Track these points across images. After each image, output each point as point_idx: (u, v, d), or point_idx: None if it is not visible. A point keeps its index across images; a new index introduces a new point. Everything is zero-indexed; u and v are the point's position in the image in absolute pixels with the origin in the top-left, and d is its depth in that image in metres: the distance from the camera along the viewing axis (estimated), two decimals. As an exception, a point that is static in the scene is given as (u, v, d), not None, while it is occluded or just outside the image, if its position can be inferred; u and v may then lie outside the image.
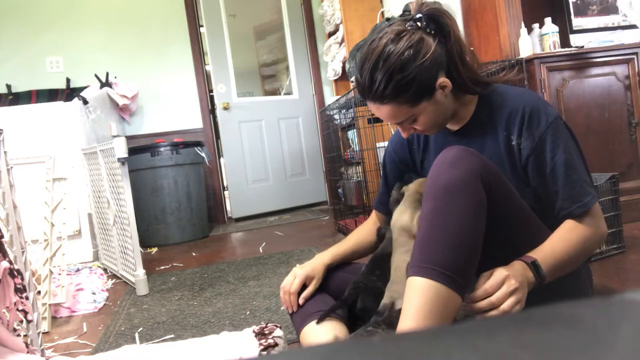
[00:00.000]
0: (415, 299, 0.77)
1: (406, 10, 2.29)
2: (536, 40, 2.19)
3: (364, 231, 1.22)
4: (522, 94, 0.98)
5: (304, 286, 1.07)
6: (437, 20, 0.91)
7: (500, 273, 0.80)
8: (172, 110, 3.68)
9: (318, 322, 0.98)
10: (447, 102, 0.96)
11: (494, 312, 0.78)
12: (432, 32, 0.91)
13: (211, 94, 3.78)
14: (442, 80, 0.92)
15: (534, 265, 0.83)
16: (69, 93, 3.33)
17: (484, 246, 0.81)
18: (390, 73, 0.88)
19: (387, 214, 1.22)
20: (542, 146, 0.91)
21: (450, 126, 1.05)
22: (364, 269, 1.05)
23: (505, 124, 0.96)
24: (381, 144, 2.43)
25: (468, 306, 0.80)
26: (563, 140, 0.91)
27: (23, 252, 1.19)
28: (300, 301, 1.05)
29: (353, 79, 2.57)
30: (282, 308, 1.45)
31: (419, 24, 0.91)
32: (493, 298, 0.78)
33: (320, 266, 1.09)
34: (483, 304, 0.79)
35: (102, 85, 3.15)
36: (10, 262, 1.04)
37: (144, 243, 2.91)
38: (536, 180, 0.94)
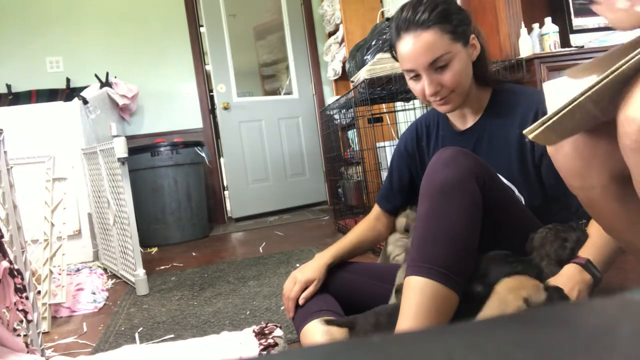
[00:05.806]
0: (413, 298, 0.77)
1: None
2: (536, 40, 2.19)
3: (364, 227, 1.22)
4: (537, 93, 0.98)
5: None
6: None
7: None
8: (172, 110, 3.68)
9: (327, 323, 0.94)
10: (471, 72, 0.98)
11: None
12: None
13: (211, 94, 3.78)
14: (474, 37, 0.96)
15: (589, 264, 0.80)
16: (69, 93, 3.33)
17: (480, 244, 0.81)
18: (435, 3, 0.92)
19: (388, 211, 1.23)
20: None
21: (460, 125, 1.06)
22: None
23: (520, 122, 0.96)
24: (381, 144, 2.43)
25: None
26: None
27: (23, 252, 1.19)
28: (300, 301, 1.05)
29: (353, 78, 2.57)
30: (282, 308, 1.45)
31: None
32: None
33: (320, 267, 1.08)
34: None
35: (102, 85, 3.14)
36: (10, 262, 1.04)
37: (144, 243, 2.91)
38: (551, 179, 0.93)
